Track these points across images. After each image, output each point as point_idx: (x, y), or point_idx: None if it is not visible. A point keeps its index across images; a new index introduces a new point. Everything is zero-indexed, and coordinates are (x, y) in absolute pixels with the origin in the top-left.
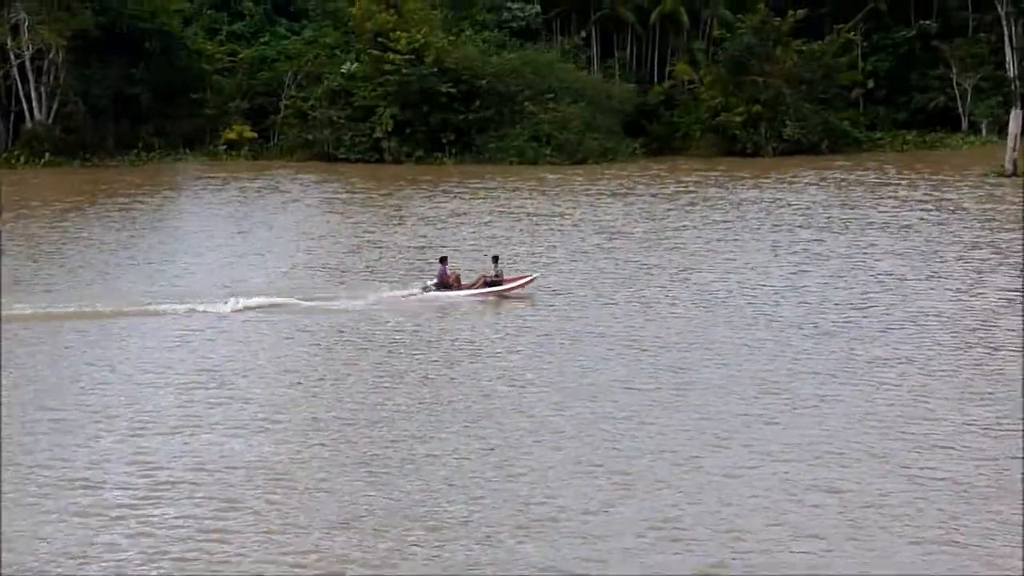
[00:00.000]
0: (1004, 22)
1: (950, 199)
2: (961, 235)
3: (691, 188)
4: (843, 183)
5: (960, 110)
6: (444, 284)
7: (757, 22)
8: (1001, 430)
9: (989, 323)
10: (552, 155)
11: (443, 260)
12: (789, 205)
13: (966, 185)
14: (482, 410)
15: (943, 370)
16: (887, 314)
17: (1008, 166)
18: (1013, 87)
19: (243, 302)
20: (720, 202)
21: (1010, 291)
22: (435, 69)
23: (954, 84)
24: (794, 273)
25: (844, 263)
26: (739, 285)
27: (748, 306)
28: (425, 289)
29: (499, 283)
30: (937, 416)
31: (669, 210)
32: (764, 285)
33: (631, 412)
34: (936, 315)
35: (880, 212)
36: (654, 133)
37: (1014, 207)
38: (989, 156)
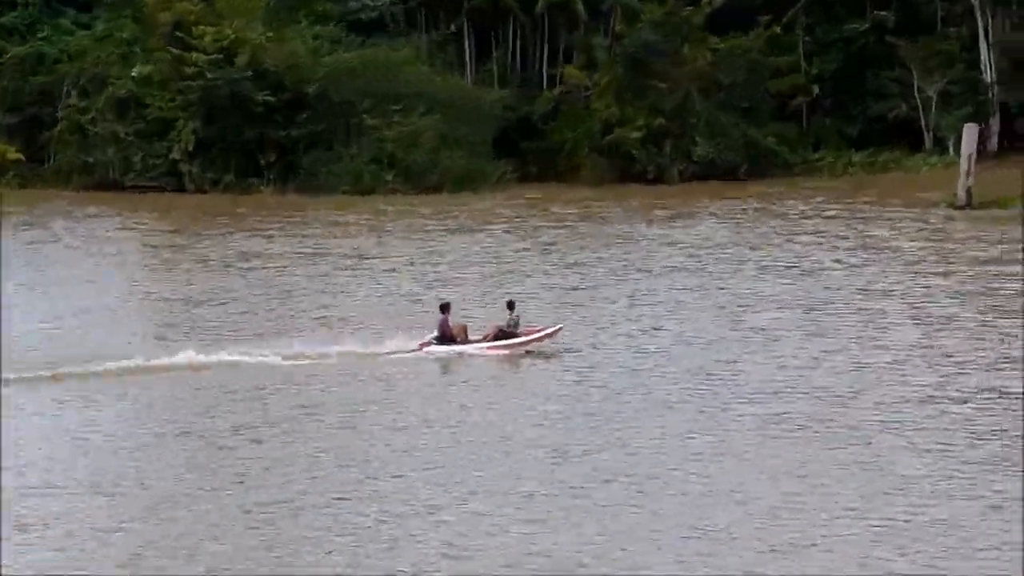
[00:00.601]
0: (978, 13)
1: (880, 237)
2: (874, 282)
3: (563, 223)
4: (757, 216)
5: (923, 123)
6: (446, 337)
7: (660, 14)
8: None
9: (862, 397)
10: (396, 181)
11: (444, 308)
12: (677, 244)
13: (907, 219)
14: None
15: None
16: (736, 383)
17: (960, 195)
18: (989, 94)
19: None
20: (591, 240)
21: (913, 352)
22: (250, 72)
23: (915, 91)
24: (643, 331)
25: (712, 317)
26: (564, 348)
27: (563, 373)
28: (422, 346)
29: (514, 334)
30: None
31: (522, 250)
32: (596, 346)
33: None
34: (796, 387)
35: (787, 252)
36: (531, 153)
37: (957, 247)
38: (951, 181)
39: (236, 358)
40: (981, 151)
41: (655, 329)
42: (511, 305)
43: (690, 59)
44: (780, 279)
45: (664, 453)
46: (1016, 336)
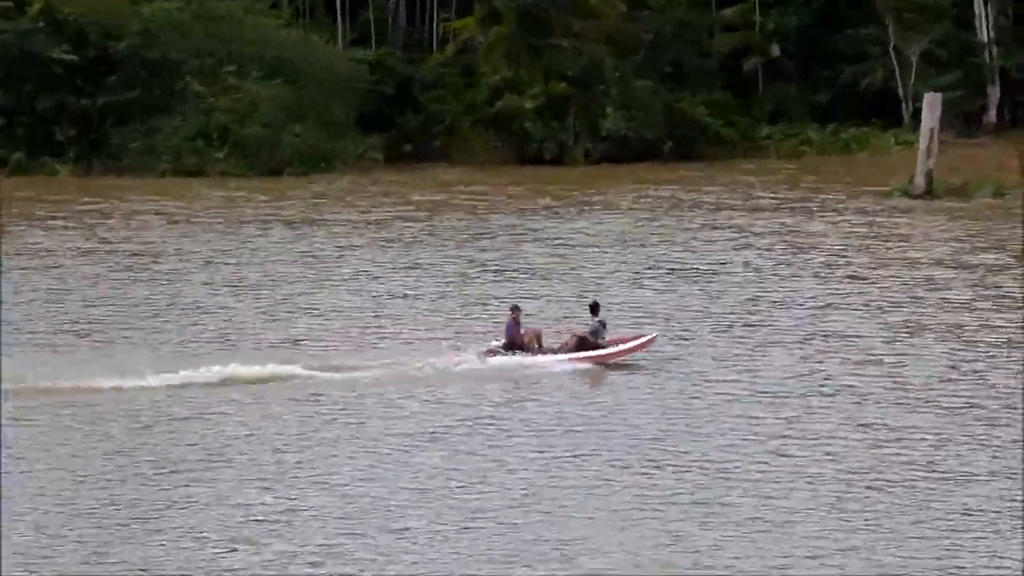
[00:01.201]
0: None
1: (809, 233)
2: (771, 290)
3: (419, 214)
4: (670, 206)
5: (900, 91)
6: (515, 344)
7: None
8: None
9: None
10: (228, 161)
11: (514, 309)
12: (549, 241)
13: (851, 211)
14: None
15: None
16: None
17: (919, 180)
18: (987, 56)
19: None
20: (445, 236)
21: (764, 393)
22: (41, 23)
23: (891, 52)
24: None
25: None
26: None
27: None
28: (488, 353)
29: (598, 345)
30: None
31: (353, 248)
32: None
33: None
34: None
35: (687, 252)
36: (406, 127)
37: (896, 247)
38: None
39: None
40: (977, 126)
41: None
42: (595, 308)
43: (600, 11)
44: (663, 285)
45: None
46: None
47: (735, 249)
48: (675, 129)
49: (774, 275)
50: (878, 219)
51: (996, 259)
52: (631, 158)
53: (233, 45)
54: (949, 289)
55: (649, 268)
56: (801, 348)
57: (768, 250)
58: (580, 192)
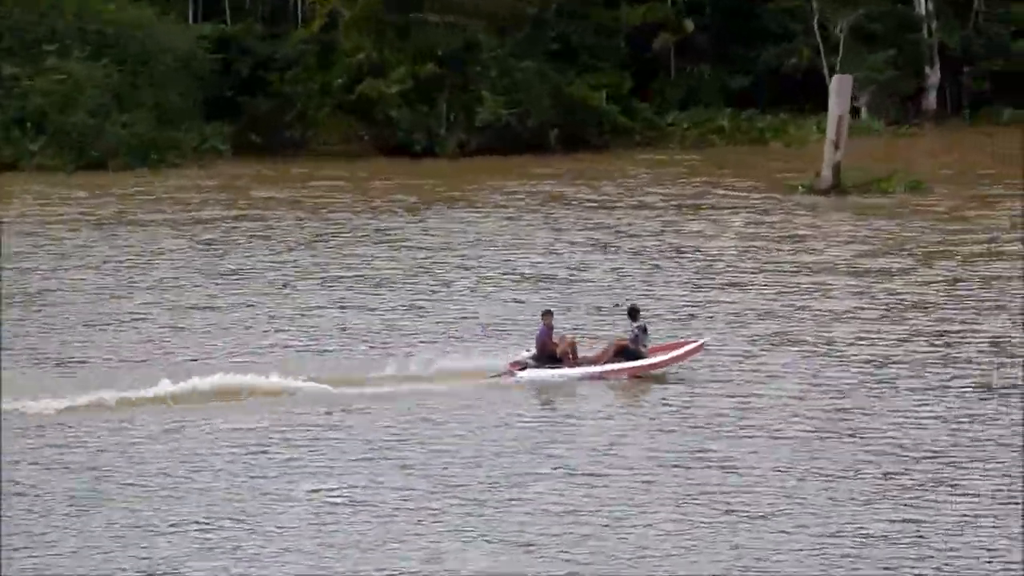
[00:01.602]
0: None
1: (692, 234)
2: (635, 299)
3: (248, 215)
4: (541, 204)
5: (826, 72)
6: (547, 354)
7: None
8: None
9: None
10: (46, 153)
11: (546, 314)
12: (392, 243)
13: (745, 209)
14: None
15: None
16: None
17: (825, 174)
18: (925, 32)
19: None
20: (264, 240)
21: None
22: None
23: (816, 29)
24: None
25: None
26: None
27: None
28: (514, 366)
29: (640, 353)
30: None
31: (150, 255)
32: None
33: None
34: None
35: (550, 256)
36: (257, 114)
37: (794, 248)
38: (846, 156)
39: None
40: (915, 111)
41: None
42: (634, 313)
43: None
44: (509, 294)
45: None
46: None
47: (606, 252)
48: (564, 116)
49: (642, 281)
50: (775, 218)
51: (895, 263)
52: (513, 149)
53: (54, 20)
54: (833, 298)
55: (504, 274)
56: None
57: (640, 253)
58: (448, 188)
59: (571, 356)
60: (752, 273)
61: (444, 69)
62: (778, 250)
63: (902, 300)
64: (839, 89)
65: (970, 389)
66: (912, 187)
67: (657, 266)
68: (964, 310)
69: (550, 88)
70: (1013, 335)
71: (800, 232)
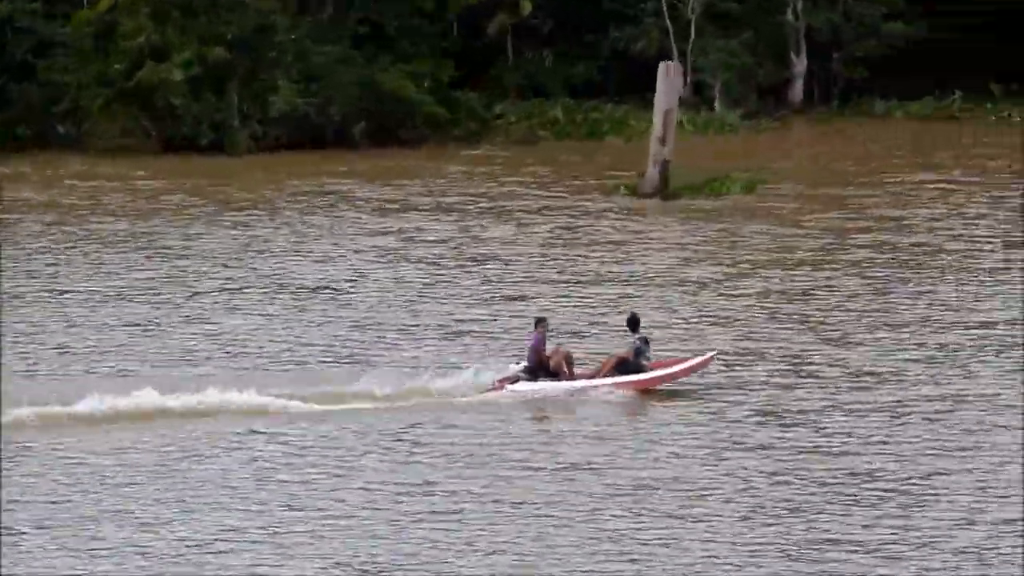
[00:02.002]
0: None
1: (495, 240)
2: (389, 319)
3: None
4: (330, 206)
5: (676, 59)
6: (540, 366)
7: None
8: None
9: None
10: None
11: (540, 323)
12: (143, 251)
13: (562, 211)
14: None
15: None
16: None
17: (651, 174)
18: (790, 12)
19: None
20: None
21: None
22: None
23: (664, 9)
24: None
25: None
26: None
27: None
28: (504, 381)
29: (641, 367)
30: None
31: None
32: None
33: None
34: None
35: (319, 265)
36: (20, 105)
37: (599, 258)
38: (692, 153)
39: None
40: (779, 103)
41: None
42: (634, 323)
43: None
44: (258, 308)
45: None
46: None
47: (383, 261)
48: (371, 108)
49: (419, 295)
50: (588, 223)
51: (710, 274)
52: (315, 144)
53: None
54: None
55: (264, 288)
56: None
57: (421, 263)
58: (232, 187)
59: (567, 370)
60: (542, 284)
61: (234, 54)
62: (584, 259)
63: (706, 315)
64: (667, 77)
65: (752, 415)
66: (748, 188)
67: (442, 277)
68: (767, 325)
69: (355, 76)
70: (812, 354)
71: (614, 239)
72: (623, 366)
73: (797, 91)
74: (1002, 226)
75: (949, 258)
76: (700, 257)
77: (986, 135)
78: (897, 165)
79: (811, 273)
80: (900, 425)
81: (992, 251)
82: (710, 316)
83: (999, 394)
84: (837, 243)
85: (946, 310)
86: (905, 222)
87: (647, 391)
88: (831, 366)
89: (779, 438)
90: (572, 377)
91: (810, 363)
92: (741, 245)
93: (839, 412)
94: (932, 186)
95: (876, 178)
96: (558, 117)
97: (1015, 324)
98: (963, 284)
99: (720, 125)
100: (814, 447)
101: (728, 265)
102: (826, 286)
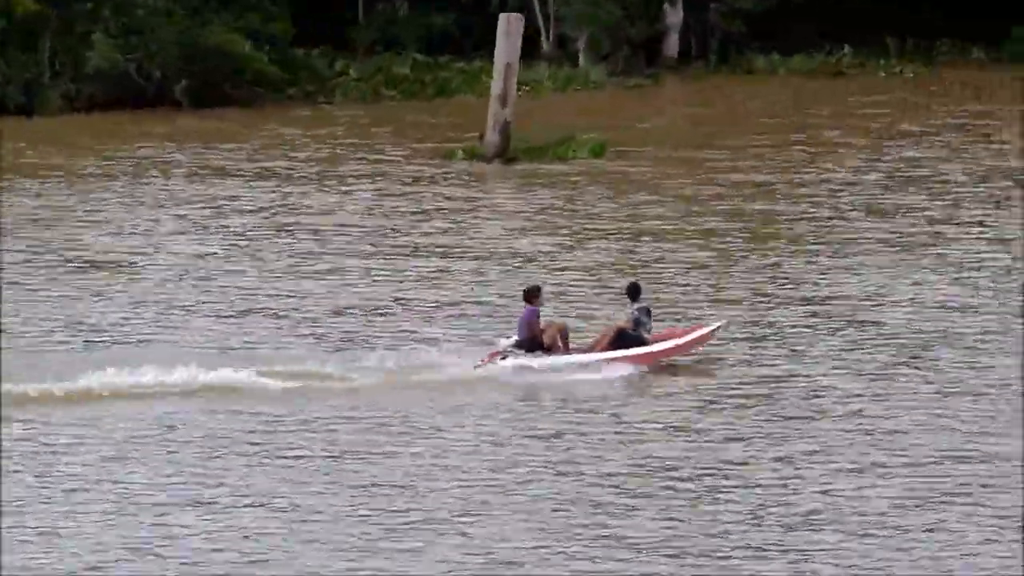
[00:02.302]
0: None
1: (312, 209)
2: (182, 299)
3: None
4: (137, 173)
5: (537, 11)
6: (534, 341)
7: None
8: None
9: None
10: None
11: (532, 293)
12: None
13: (392, 177)
14: None
15: None
16: None
17: (491, 137)
18: None
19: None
20: None
21: None
22: None
23: None
24: None
25: None
26: None
27: None
28: (492, 356)
29: (642, 340)
30: None
31: None
32: None
33: None
34: None
35: (108, 238)
36: None
37: (422, 229)
38: (548, 114)
39: None
40: (651, 59)
41: None
42: (634, 291)
43: None
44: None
45: None
46: None
47: (186, 233)
48: (196, 64)
49: (218, 270)
50: (416, 190)
51: (538, 246)
52: (136, 104)
53: None
54: (447, 287)
55: (46, 262)
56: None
57: (228, 234)
58: (37, 153)
59: (561, 345)
60: (357, 257)
61: (46, 6)
62: (406, 229)
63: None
64: (507, 30)
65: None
66: (598, 152)
67: (247, 249)
68: (593, 303)
69: (179, 31)
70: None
71: (443, 207)
72: (622, 339)
73: (672, 45)
74: (868, 192)
75: (806, 228)
76: (534, 227)
77: (874, 93)
78: (771, 125)
79: (654, 244)
80: (707, 412)
81: (853, 221)
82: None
83: (823, 376)
84: (689, 211)
85: (788, 285)
86: (767, 188)
87: (650, 365)
88: None
89: (572, 424)
90: (566, 349)
91: None
92: (581, 214)
93: (646, 398)
94: (803, 148)
95: (746, 140)
96: (407, 74)
97: (851, 300)
98: (813, 257)
99: (584, 81)
100: (601, 437)
101: (564, 235)
102: (665, 258)
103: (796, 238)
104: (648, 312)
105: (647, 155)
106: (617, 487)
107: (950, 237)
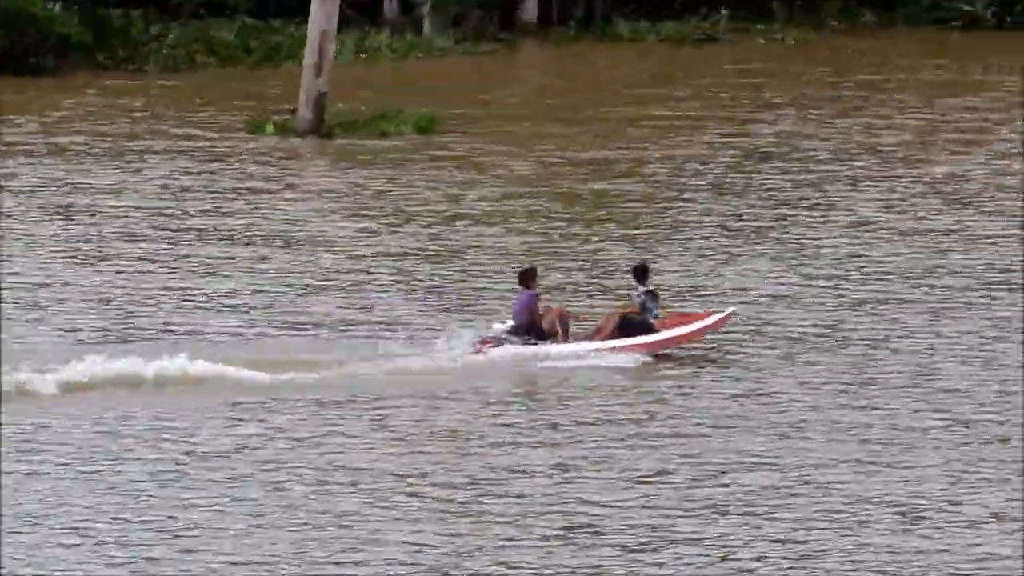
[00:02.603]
0: None
1: (88, 189)
2: None
3: None
4: None
5: None
6: (532, 327)
7: None
8: None
9: None
10: None
11: (529, 275)
12: None
13: (184, 155)
14: None
15: None
16: None
17: (304, 112)
18: None
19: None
20: None
21: None
22: None
23: None
24: None
25: None
26: None
27: None
28: (484, 343)
29: (649, 326)
30: None
31: None
32: None
33: None
34: None
35: None
36: None
37: (206, 214)
38: (380, 84)
39: None
40: (507, 24)
41: None
42: (641, 273)
43: None
44: None
45: None
46: None
47: None
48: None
49: None
50: (216, 168)
51: (342, 231)
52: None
53: None
54: (221, 276)
55: None
56: None
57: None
58: None
59: (560, 330)
60: (136, 242)
61: None
62: (194, 213)
63: (316, 280)
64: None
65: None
66: (424, 127)
67: (11, 234)
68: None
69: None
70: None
71: (240, 187)
72: (627, 325)
73: (531, 10)
74: (718, 172)
75: (640, 210)
76: (338, 208)
77: (751, 62)
78: (629, 97)
79: (470, 229)
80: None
81: (694, 203)
82: (321, 282)
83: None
84: (517, 192)
85: (603, 275)
86: (607, 166)
87: (658, 354)
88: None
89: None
90: (565, 337)
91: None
92: (395, 195)
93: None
94: (658, 123)
95: (595, 112)
96: (231, 40)
97: (670, 291)
98: (641, 243)
99: (427, 49)
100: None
101: (371, 218)
102: (479, 244)
103: (626, 221)
104: (655, 296)
105: (483, 130)
106: None
107: (796, 221)
